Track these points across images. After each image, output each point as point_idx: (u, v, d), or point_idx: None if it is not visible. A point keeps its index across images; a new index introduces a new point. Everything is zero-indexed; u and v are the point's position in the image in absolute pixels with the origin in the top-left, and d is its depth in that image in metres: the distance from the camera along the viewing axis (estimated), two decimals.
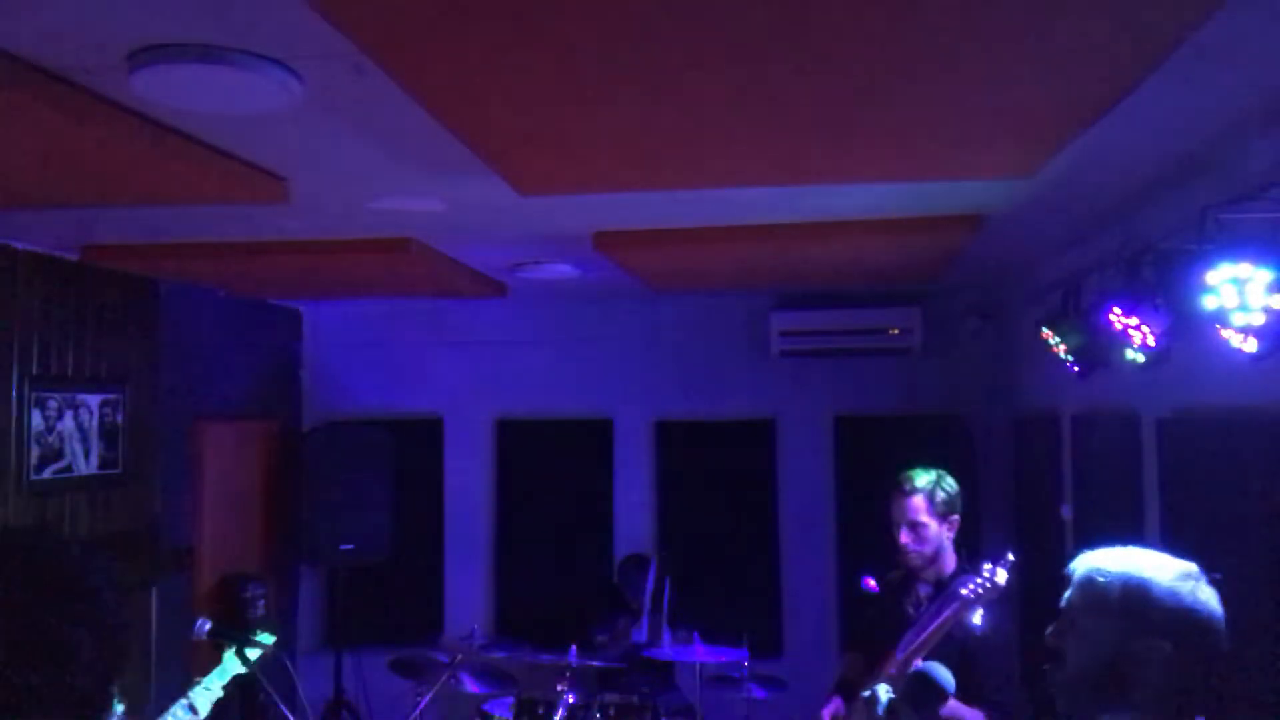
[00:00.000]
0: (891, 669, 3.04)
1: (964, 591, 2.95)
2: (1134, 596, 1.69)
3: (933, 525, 3.27)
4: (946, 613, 2.97)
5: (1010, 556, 2.95)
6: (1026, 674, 4.82)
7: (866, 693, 3.17)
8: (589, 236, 4.20)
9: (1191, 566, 1.74)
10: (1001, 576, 2.89)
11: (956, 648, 2.96)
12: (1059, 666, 1.77)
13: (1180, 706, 1.66)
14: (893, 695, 3.01)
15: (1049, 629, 1.83)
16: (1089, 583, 1.75)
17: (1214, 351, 2.67)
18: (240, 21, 1.98)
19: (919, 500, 3.27)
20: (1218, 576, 1.74)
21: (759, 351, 6.23)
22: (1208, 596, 1.70)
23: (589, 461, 6.59)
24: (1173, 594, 1.68)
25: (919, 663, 2.90)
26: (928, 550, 3.28)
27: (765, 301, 6.22)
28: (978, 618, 2.91)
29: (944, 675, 2.83)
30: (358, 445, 6.03)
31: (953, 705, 2.94)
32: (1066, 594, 1.80)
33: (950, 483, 3.34)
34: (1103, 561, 1.77)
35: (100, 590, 1.36)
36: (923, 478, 3.31)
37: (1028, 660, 4.84)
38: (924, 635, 3.01)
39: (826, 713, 3.41)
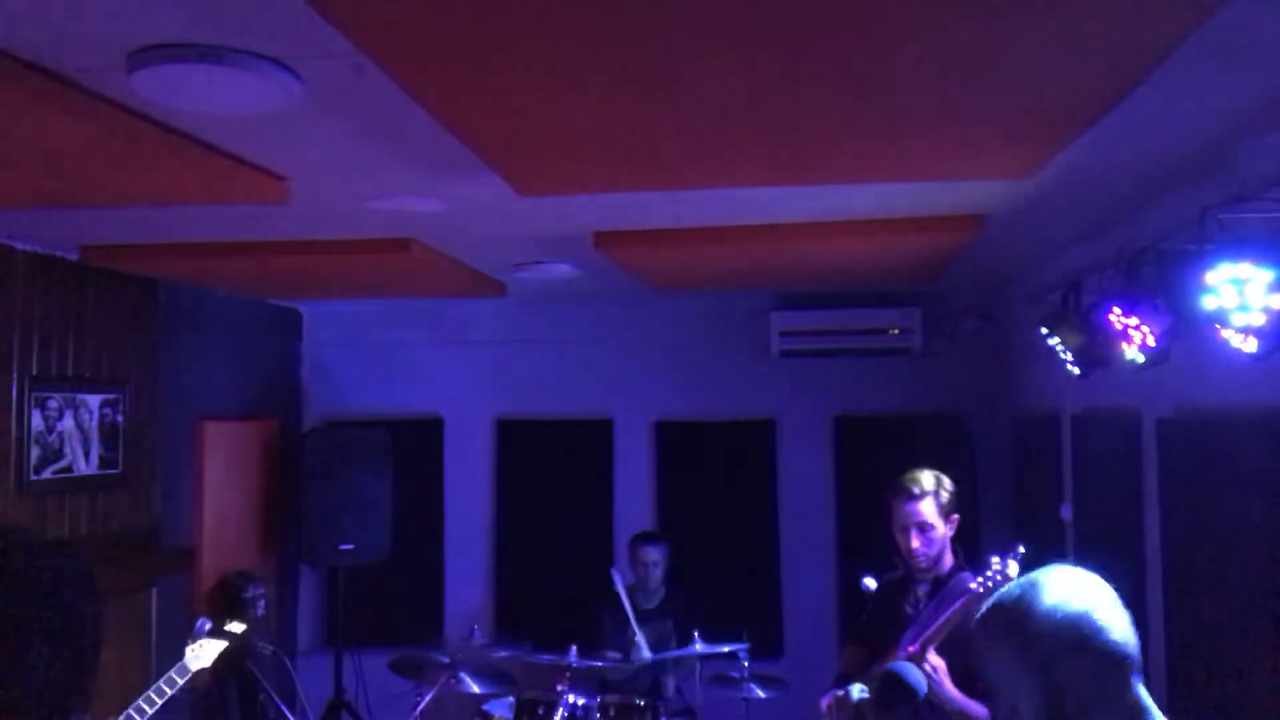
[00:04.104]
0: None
1: (973, 585, 2.95)
2: (1044, 634, 1.62)
3: (940, 527, 3.29)
4: (956, 606, 2.98)
5: (1020, 549, 2.96)
6: None
7: (840, 691, 3.18)
8: (589, 236, 4.20)
9: (1025, 575, 1.71)
10: (1013, 569, 2.90)
11: (963, 641, 2.97)
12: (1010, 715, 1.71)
13: (1121, 694, 1.62)
14: (865, 695, 3.02)
15: (990, 709, 1.79)
16: (1017, 644, 1.66)
17: (1214, 351, 2.67)
18: (240, 21, 1.98)
19: (928, 504, 3.28)
20: (1021, 551, 1.69)
21: (759, 351, 6.23)
22: (1080, 578, 1.68)
23: (589, 461, 6.59)
24: (1062, 611, 1.63)
25: (890, 663, 2.92)
26: (934, 552, 3.30)
27: (765, 301, 6.22)
28: None
29: (915, 676, 2.84)
30: (358, 445, 6.03)
31: (959, 699, 2.95)
32: (992, 655, 1.72)
33: (949, 483, 3.36)
34: (1007, 616, 1.69)
35: (65, 595, 1.23)
36: (928, 480, 3.32)
37: None
38: (933, 629, 3.01)
39: (825, 701, 3.43)
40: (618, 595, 5.55)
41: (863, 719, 3.10)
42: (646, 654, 4.77)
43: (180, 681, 3.51)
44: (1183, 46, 1.96)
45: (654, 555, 5.40)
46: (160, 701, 3.43)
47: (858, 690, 3.12)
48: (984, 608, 1.73)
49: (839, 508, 6.34)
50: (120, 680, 3.61)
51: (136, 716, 3.34)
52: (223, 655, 3.71)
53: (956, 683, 2.96)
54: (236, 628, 3.60)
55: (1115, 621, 1.64)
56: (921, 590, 3.35)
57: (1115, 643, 1.62)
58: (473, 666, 4.79)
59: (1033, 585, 1.68)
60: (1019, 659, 1.65)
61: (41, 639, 1.19)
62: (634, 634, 4.85)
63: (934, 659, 2.94)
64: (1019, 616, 1.65)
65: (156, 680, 3.48)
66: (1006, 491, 5.92)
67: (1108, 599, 1.66)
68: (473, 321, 6.54)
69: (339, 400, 6.65)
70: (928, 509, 3.28)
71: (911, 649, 3.02)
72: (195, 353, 5.42)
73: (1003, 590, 1.72)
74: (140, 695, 3.41)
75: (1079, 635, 1.62)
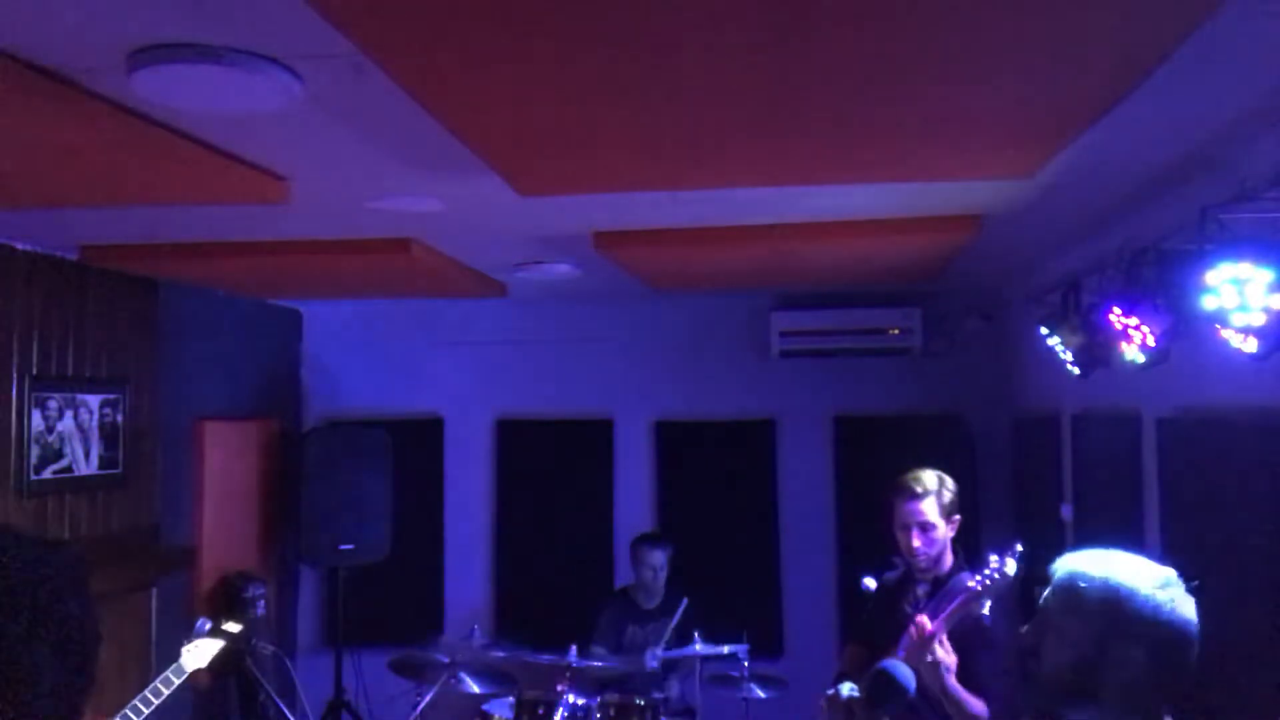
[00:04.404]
0: None
1: (971, 583, 2.95)
2: (1114, 604, 1.69)
3: (941, 527, 3.29)
4: (955, 604, 2.98)
5: (1018, 547, 2.96)
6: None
7: (830, 690, 3.18)
8: (589, 236, 4.20)
9: (1170, 574, 1.74)
10: (1011, 567, 2.90)
11: (962, 638, 2.98)
12: (1034, 663, 1.79)
13: (1147, 710, 1.68)
14: (855, 694, 3.01)
15: (1024, 627, 1.85)
16: (1070, 586, 1.76)
17: (1214, 351, 2.67)
18: (240, 21, 1.98)
19: (930, 503, 3.28)
20: (1196, 584, 1.75)
21: (759, 351, 6.24)
22: (1186, 608, 1.70)
23: (589, 461, 6.59)
24: (1152, 604, 1.68)
25: (881, 661, 2.91)
26: (935, 552, 3.30)
27: (765, 301, 6.22)
28: (985, 609, 2.92)
29: (905, 674, 2.84)
30: (358, 445, 6.03)
31: (961, 693, 2.95)
32: (1045, 594, 1.81)
33: (951, 483, 3.36)
34: (1085, 565, 1.77)
35: (66, 600, 1.18)
36: (930, 480, 3.32)
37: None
38: (936, 622, 3.01)
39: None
40: (618, 596, 5.55)
41: (853, 717, 3.10)
42: (654, 663, 4.78)
43: (176, 682, 3.51)
44: (1183, 46, 1.96)
45: (659, 559, 5.39)
46: (157, 702, 3.43)
47: (847, 688, 3.12)
48: (1083, 573, 1.75)
49: (839, 508, 6.34)
50: (120, 680, 3.62)
51: (133, 716, 3.34)
52: (223, 655, 3.71)
53: (956, 677, 2.97)
54: (233, 627, 3.61)
55: (1188, 656, 1.69)
56: (921, 590, 3.35)
57: (1171, 667, 1.68)
58: (473, 666, 4.79)
59: (1142, 574, 1.72)
60: (1092, 620, 1.70)
61: (48, 647, 1.14)
62: (651, 640, 4.88)
63: (941, 653, 2.94)
64: (1123, 590, 1.70)
65: (153, 681, 3.49)
66: (1006, 491, 5.92)
67: (1195, 639, 1.72)
68: (473, 321, 6.54)
69: (339, 400, 6.65)
70: (929, 508, 3.28)
71: (900, 654, 3.01)
72: (195, 353, 5.42)
73: (1109, 572, 1.74)
74: (137, 695, 3.41)
75: (1161, 637, 1.68)
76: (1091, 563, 1.77)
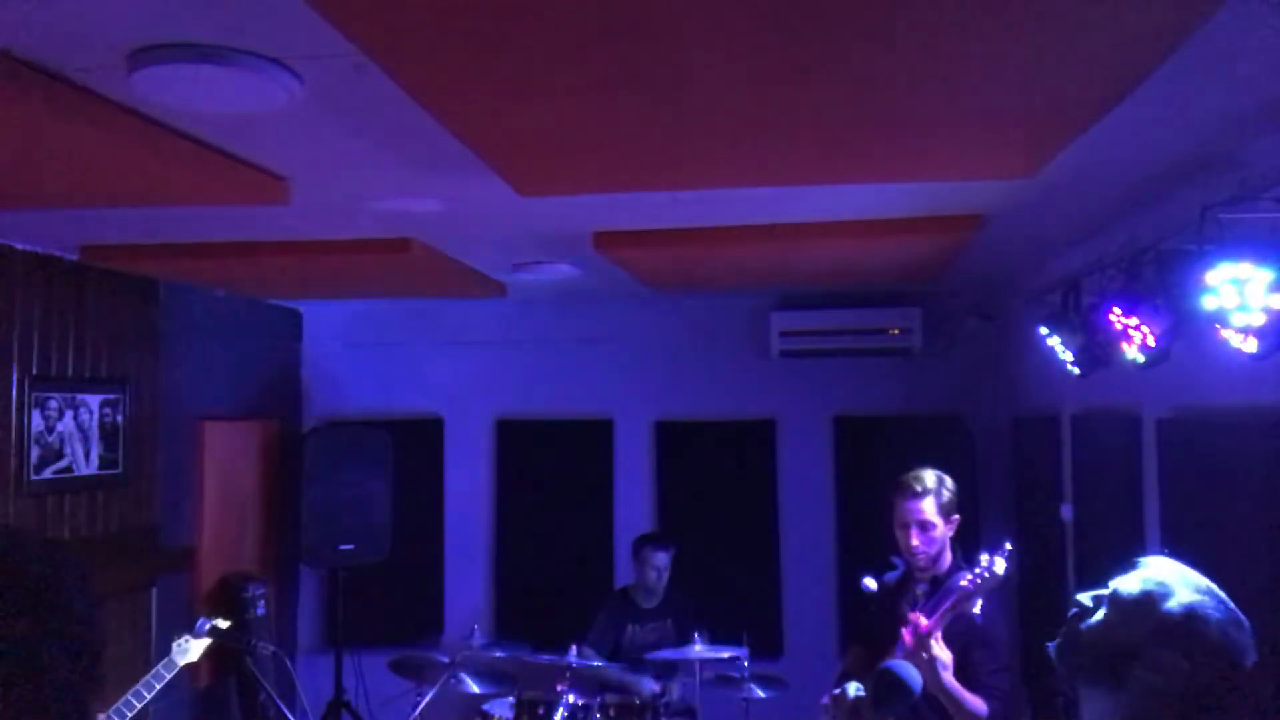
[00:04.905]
0: None
1: (963, 583, 2.96)
2: (1190, 629, 1.65)
3: (940, 526, 3.30)
4: (946, 604, 2.98)
5: (1008, 546, 2.97)
6: (1025, 667, 4.82)
7: (836, 690, 3.18)
8: (589, 236, 4.20)
9: (1242, 618, 1.71)
10: (1000, 566, 2.91)
11: (956, 637, 2.98)
12: (1083, 619, 1.74)
13: (1179, 713, 1.66)
14: (861, 693, 3.01)
15: (1092, 593, 1.81)
16: (1156, 599, 1.70)
17: (1214, 351, 2.67)
18: (240, 21, 1.98)
19: (929, 502, 3.29)
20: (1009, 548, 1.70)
21: (759, 351, 6.24)
22: (1250, 654, 1.68)
23: (589, 462, 6.59)
24: (1224, 640, 1.65)
25: (886, 661, 2.91)
26: (934, 551, 3.31)
27: (765, 301, 6.22)
28: (977, 607, 2.92)
29: (911, 674, 2.84)
30: (358, 445, 6.03)
31: (959, 691, 2.96)
32: (1130, 583, 1.75)
33: (951, 483, 3.37)
34: (1176, 583, 1.72)
35: (71, 598, 1.18)
36: (930, 479, 3.33)
37: (1026, 654, 4.86)
38: (930, 621, 3.01)
39: (825, 701, 3.44)
40: (617, 595, 5.55)
41: (859, 717, 3.10)
42: (652, 686, 4.80)
43: (168, 677, 3.53)
44: (1183, 46, 1.96)
45: (664, 560, 5.38)
46: (149, 696, 3.45)
47: (853, 689, 3.12)
48: (1139, 577, 1.73)
49: (839, 508, 6.34)
50: (120, 680, 3.62)
51: (126, 712, 3.36)
52: (222, 655, 3.72)
53: (954, 675, 2.97)
54: (221, 624, 3.64)
55: (1233, 686, 1.66)
56: (920, 590, 3.36)
57: (1212, 692, 1.65)
58: (473, 666, 4.79)
59: (1223, 608, 1.69)
60: (1166, 631, 1.65)
61: (58, 646, 1.15)
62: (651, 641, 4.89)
63: (939, 651, 2.94)
64: (1204, 620, 1.66)
65: (145, 677, 3.51)
66: (1006, 491, 5.91)
67: (1246, 671, 1.68)
68: (473, 321, 6.53)
69: (339, 400, 6.65)
70: (929, 507, 3.29)
71: (898, 655, 3.01)
72: (195, 353, 5.42)
73: (1161, 577, 1.72)
74: (129, 690, 3.43)
75: (1219, 665, 1.64)
76: (1183, 585, 1.71)
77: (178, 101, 2.39)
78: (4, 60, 2.12)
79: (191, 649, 3.67)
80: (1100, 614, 1.74)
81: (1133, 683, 1.66)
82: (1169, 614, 1.67)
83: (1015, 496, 5.84)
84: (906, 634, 3.00)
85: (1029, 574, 4.76)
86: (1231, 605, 1.72)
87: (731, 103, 2.31)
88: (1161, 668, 1.64)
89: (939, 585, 3.29)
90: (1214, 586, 1.74)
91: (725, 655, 4.69)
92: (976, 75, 2.15)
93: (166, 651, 3.70)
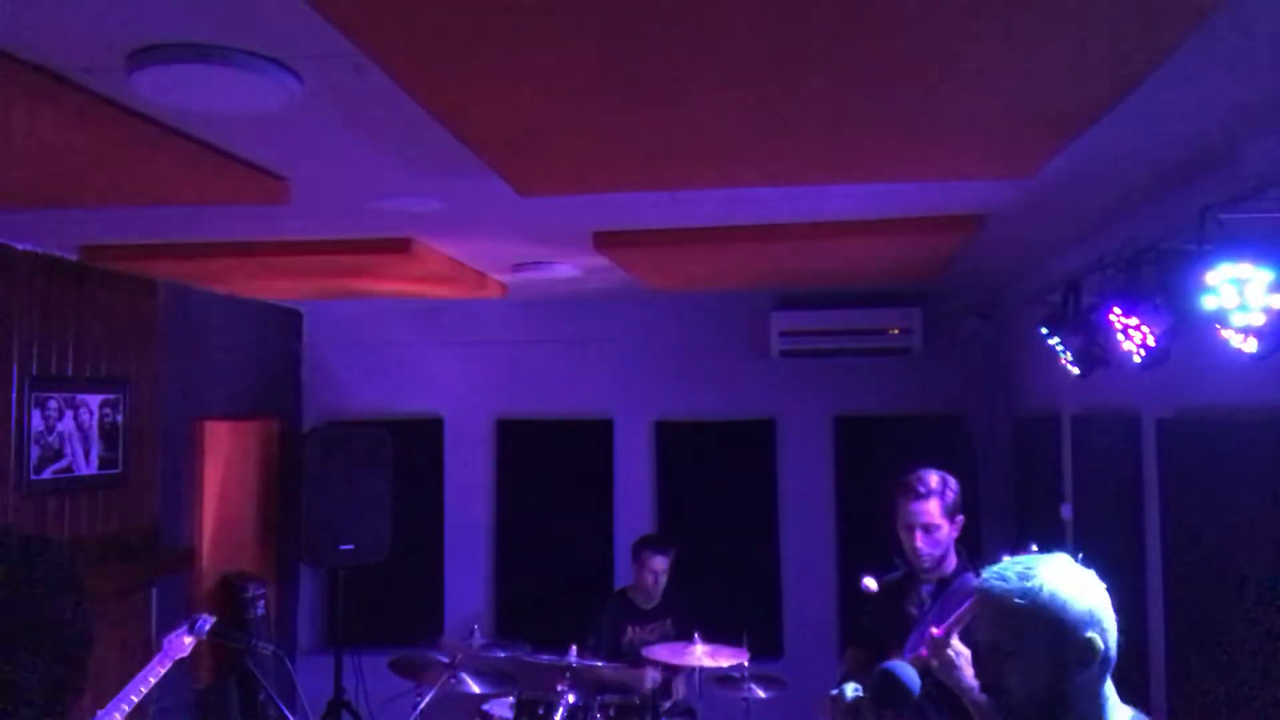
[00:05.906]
0: None
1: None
2: (1055, 611, 1.76)
3: (945, 527, 3.27)
4: (964, 606, 2.97)
5: (1034, 548, 2.96)
6: None
7: (834, 691, 3.17)
8: (589, 236, 4.20)
9: (1067, 557, 1.85)
10: None
11: (965, 640, 2.97)
12: (1005, 698, 1.82)
13: (1102, 695, 1.79)
14: (859, 694, 3.01)
15: (974, 670, 1.91)
16: (1008, 610, 1.80)
17: (1214, 351, 2.67)
18: (240, 21, 1.98)
19: (933, 504, 3.26)
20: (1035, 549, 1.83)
21: (759, 351, 6.23)
22: (1098, 583, 1.81)
23: (589, 461, 6.59)
24: (1085, 598, 1.78)
25: (885, 662, 2.90)
26: (939, 553, 3.28)
27: (765, 301, 6.22)
28: None
29: (910, 675, 2.83)
30: (358, 445, 6.02)
31: (977, 690, 2.94)
32: (981, 627, 1.87)
33: (955, 483, 3.34)
34: (1006, 584, 1.82)
35: (54, 601, 1.14)
36: (934, 480, 3.30)
37: None
38: (951, 619, 2.99)
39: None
40: (616, 596, 5.55)
41: (858, 718, 3.09)
42: (655, 677, 4.80)
43: (162, 671, 3.52)
44: (1183, 47, 1.96)
45: (661, 564, 5.37)
46: (145, 690, 3.44)
47: (851, 689, 3.11)
48: (1013, 592, 1.81)
49: (839, 508, 6.34)
50: (120, 680, 3.61)
51: (125, 707, 3.36)
52: (222, 655, 3.72)
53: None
54: (207, 619, 3.65)
55: (1113, 625, 1.79)
56: (925, 591, 3.34)
57: (1112, 646, 1.77)
58: (473, 666, 4.78)
59: (1064, 582, 1.79)
60: (1046, 649, 1.76)
61: (36, 649, 1.11)
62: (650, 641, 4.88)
63: (960, 646, 2.93)
64: (1056, 614, 1.76)
65: (141, 673, 3.50)
66: (1006, 491, 5.92)
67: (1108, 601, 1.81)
68: (473, 321, 6.54)
69: (339, 400, 6.65)
70: (933, 509, 3.26)
71: (906, 656, 3.00)
72: (195, 353, 5.42)
73: (1034, 582, 1.80)
74: (125, 688, 3.42)
75: (1100, 636, 1.76)
76: (1008, 579, 1.82)
77: (178, 101, 2.39)
78: (4, 60, 2.12)
79: (184, 645, 3.66)
80: (1009, 678, 1.84)
81: (1074, 695, 1.80)
82: (1046, 624, 1.79)
83: (1015, 496, 5.85)
84: (924, 651, 2.99)
85: None
86: (1045, 559, 1.88)
87: (731, 103, 2.31)
88: (1083, 662, 1.78)
89: (946, 586, 3.27)
90: (1021, 564, 1.88)
91: (725, 664, 4.67)
92: (976, 76, 2.15)
93: None
